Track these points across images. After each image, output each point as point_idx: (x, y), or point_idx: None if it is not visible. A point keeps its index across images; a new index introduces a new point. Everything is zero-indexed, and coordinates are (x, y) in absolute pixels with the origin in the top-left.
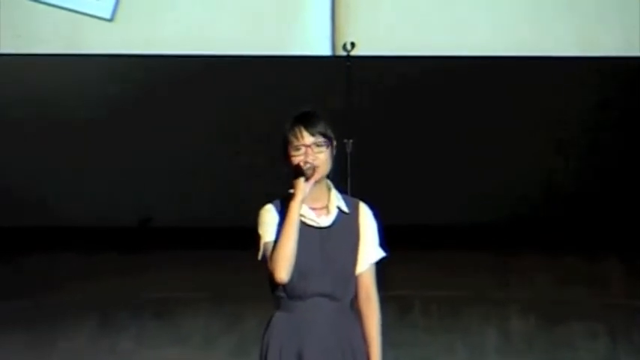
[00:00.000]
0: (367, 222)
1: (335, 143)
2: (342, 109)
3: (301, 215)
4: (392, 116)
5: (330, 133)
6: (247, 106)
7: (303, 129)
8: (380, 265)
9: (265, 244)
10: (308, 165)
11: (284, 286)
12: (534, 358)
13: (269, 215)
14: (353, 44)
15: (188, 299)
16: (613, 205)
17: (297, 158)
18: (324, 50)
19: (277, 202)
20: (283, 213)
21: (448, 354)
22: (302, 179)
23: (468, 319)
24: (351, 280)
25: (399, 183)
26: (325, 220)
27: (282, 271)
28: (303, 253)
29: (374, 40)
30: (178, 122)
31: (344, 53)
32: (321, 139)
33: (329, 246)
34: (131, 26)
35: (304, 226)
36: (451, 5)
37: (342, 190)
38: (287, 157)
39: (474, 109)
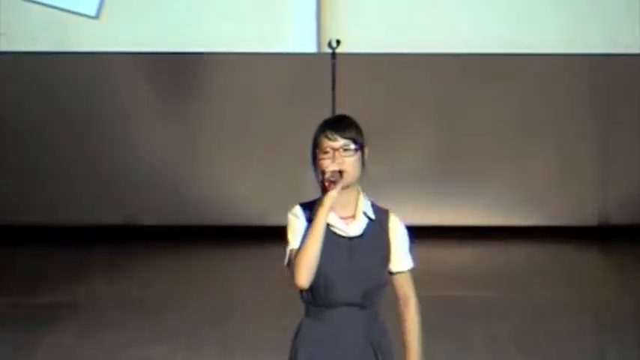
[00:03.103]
0: (398, 230)
1: (367, 151)
2: (327, 106)
3: (330, 225)
4: (377, 113)
5: (360, 139)
6: (232, 103)
7: (333, 132)
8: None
9: (291, 250)
10: (329, 174)
11: (312, 294)
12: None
13: (297, 222)
14: (338, 41)
15: (174, 297)
16: None
17: (325, 162)
18: (310, 47)
19: (306, 205)
20: (311, 219)
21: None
22: (332, 189)
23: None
24: (380, 289)
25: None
26: (354, 229)
27: (302, 278)
28: (332, 262)
29: (359, 37)
30: (164, 120)
31: (329, 50)
32: (350, 144)
33: (358, 255)
34: (116, 24)
35: (333, 236)
36: (435, 3)
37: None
38: (315, 160)
39: (454, 104)
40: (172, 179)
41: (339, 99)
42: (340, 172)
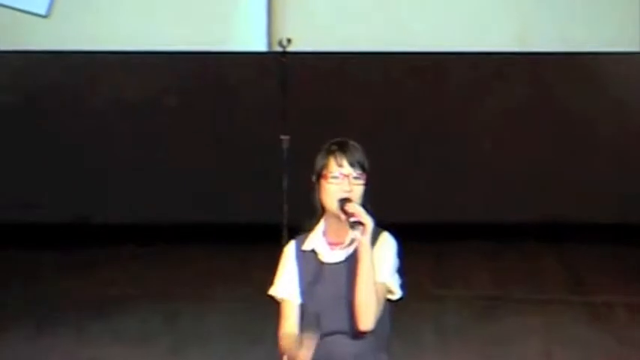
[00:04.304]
0: (383, 243)
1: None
2: (277, 105)
3: (313, 251)
4: (329, 112)
5: (367, 166)
6: (183, 103)
7: (343, 157)
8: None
9: (278, 296)
10: (353, 221)
11: (302, 326)
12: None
13: (287, 262)
14: (289, 40)
15: (126, 297)
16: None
17: (333, 187)
18: (260, 46)
19: (299, 241)
20: (301, 258)
21: None
22: (357, 234)
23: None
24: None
25: None
26: (339, 255)
27: (369, 324)
28: (317, 292)
29: (310, 35)
30: (117, 118)
31: (280, 49)
32: (359, 171)
33: (342, 281)
34: (67, 23)
35: (317, 263)
36: (387, 2)
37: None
38: (319, 185)
39: (415, 104)
40: (126, 179)
41: (290, 98)
42: (348, 200)
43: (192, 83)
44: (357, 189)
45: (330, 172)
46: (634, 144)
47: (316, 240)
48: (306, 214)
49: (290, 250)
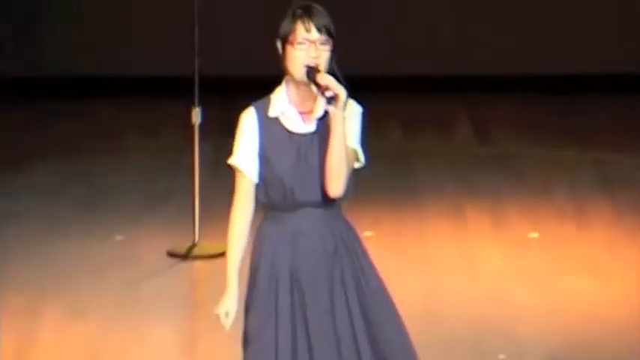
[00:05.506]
0: (350, 116)
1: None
2: None
3: (277, 119)
4: None
5: (334, 31)
6: None
7: (310, 22)
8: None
9: (235, 164)
10: (329, 93)
11: (270, 199)
12: None
13: (247, 129)
14: None
15: (39, 151)
16: None
17: (299, 54)
18: None
19: (260, 107)
20: (264, 126)
21: None
22: (332, 108)
23: None
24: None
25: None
26: (310, 126)
27: (337, 190)
28: (286, 164)
29: None
30: None
31: None
32: (325, 37)
33: (312, 153)
34: None
35: (284, 133)
36: None
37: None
38: (284, 52)
39: None
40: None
41: None
42: (316, 68)
43: None
44: (323, 55)
45: (297, 39)
46: None
47: (283, 107)
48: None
49: (250, 117)
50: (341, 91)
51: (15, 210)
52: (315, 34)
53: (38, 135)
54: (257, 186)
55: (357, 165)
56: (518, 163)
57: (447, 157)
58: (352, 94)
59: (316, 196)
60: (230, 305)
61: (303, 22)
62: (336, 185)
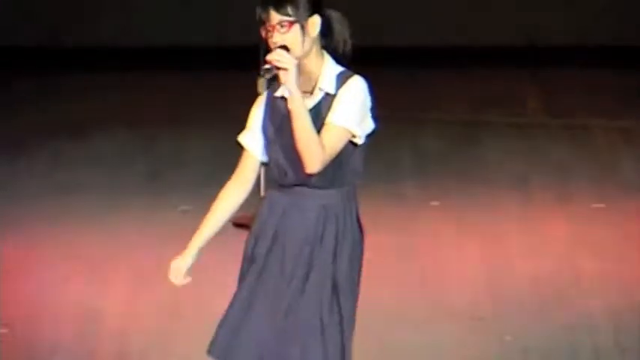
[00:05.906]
0: (348, 88)
1: (316, 20)
2: None
3: (283, 98)
4: None
5: (297, 14)
6: None
7: (270, 8)
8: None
9: (240, 141)
10: (267, 66)
11: (274, 177)
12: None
13: (257, 109)
14: None
15: (103, 121)
16: None
17: (270, 40)
18: None
19: (273, 86)
20: (270, 105)
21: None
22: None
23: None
24: (337, 165)
25: None
26: (308, 106)
27: (313, 166)
28: (280, 141)
29: None
30: None
31: None
32: (285, 19)
33: None
34: None
35: (284, 112)
36: None
37: (346, 65)
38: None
39: None
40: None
41: None
42: (285, 47)
43: None
44: (288, 37)
45: (265, 27)
46: None
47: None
48: None
49: (264, 95)
50: (287, 62)
51: (79, 180)
52: (274, 18)
53: (102, 104)
54: (267, 164)
55: (358, 141)
56: (587, 135)
57: (516, 128)
58: (420, 66)
59: (305, 178)
60: (179, 262)
61: (264, 8)
62: (308, 162)
